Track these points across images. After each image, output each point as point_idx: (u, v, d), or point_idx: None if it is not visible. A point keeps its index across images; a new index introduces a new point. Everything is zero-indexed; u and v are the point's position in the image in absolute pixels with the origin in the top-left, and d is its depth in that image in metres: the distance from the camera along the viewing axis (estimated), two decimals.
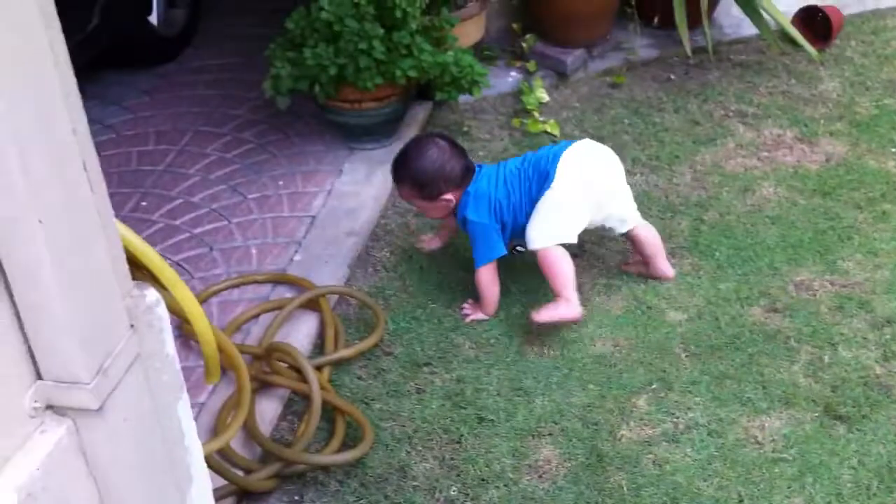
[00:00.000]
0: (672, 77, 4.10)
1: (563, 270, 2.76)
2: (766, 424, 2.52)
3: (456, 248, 3.15)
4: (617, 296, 2.98)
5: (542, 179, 2.80)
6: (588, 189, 2.80)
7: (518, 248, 2.93)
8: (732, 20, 4.39)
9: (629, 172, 3.51)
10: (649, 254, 2.99)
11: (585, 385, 2.68)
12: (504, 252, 2.86)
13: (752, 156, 3.60)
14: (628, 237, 2.99)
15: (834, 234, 3.18)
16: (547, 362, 2.75)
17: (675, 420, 2.55)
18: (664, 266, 3.02)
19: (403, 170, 2.85)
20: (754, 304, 2.92)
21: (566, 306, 2.75)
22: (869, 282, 2.97)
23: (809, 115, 3.81)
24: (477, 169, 2.89)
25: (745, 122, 3.79)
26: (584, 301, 2.95)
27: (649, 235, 2.99)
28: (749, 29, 4.24)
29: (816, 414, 2.54)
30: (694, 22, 4.08)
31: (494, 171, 2.89)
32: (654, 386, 2.66)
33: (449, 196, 2.83)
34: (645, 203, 3.35)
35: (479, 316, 2.91)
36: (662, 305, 2.94)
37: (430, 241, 3.15)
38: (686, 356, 2.76)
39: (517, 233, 2.88)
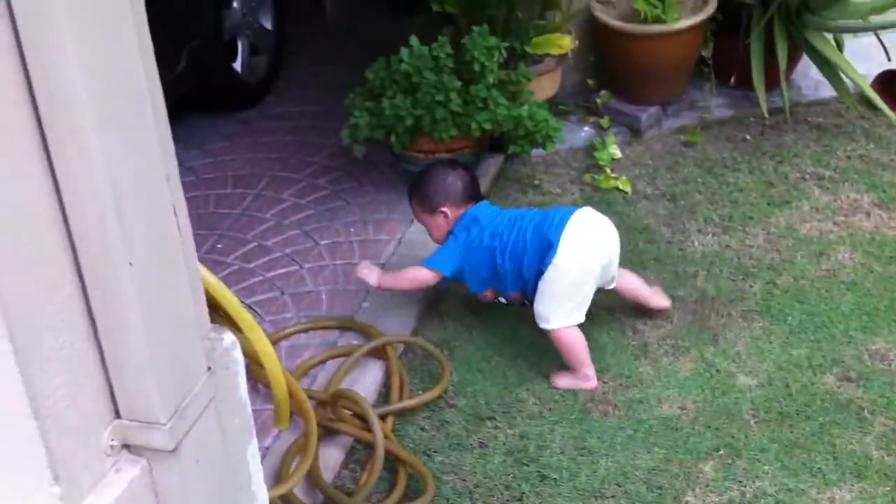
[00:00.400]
0: (747, 137, 4.07)
1: (578, 351, 2.84)
2: (837, 497, 2.46)
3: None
4: (685, 357, 2.95)
5: (542, 246, 2.81)
6: (593, 261, 2.83)
7: (499, 298, 3.00)
8: (811, 82, 4.36)
9: (701, 232, 3.49)
10: (635, 298, 3.07)
11: (651, 447, 2.65)
12: (446, 273, 2.91)
13: (827, 220, 3.55)
14: (616, 290, 3.01)
15: None
16: (612, 422, 2.73)
17: (742, 488, 2.50)
18: (656, 301, 3.08)
19: (413, 183, 3.07)
20: (827, 371, 2.87)
21: (584, 380, 2.84)
22: None
23: (888, 180, 3.74)
24: (485, 203, 3.02)
25: (821, 185, 3.75)
26: (652, 362, 2.93)
27: (632, 282, 3.05)
28: (828, 91, 4.20)
29: (888, 488, 2.47)
30: (771, 83, 4.07)
31: (497, 210, 2.99)
32: (721, 452, 2.62)
33: (446, 209, 2.94)
34: (717, 264, 3.33)
35: (366, 274, 2.96)
36: (732, 369, 2.90)
37: (369, 273, 3.04)
38: (755, 422, 2.71)
39: (500, 276, 2.90)
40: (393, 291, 3.02)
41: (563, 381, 2.85)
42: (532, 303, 2.86)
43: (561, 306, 2.81)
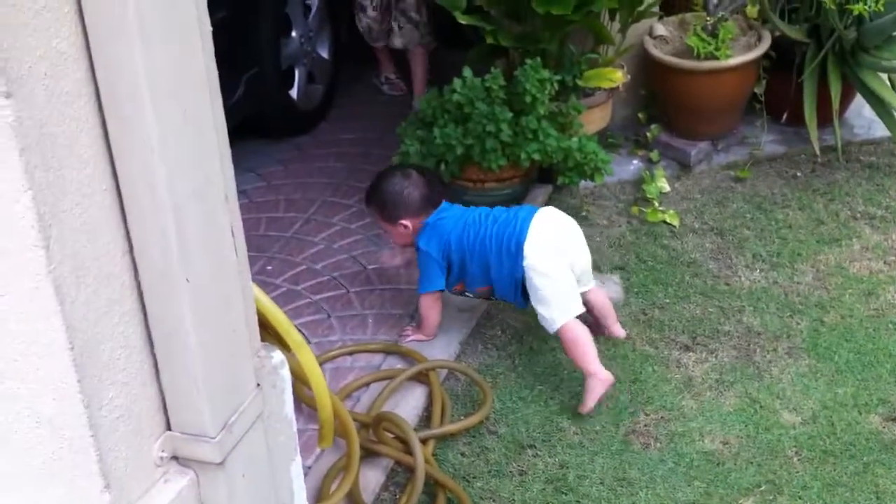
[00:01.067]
0: (798, 174, 4.06)
1: (586, 348, 2.87)
2: None
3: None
4: (729, 392, 2.94)
5: (510, 251, 2.89)
6: (561, 257, 2.92)
7: (466, 293, 3.09)
8: (864, 121, 4.34)
9: (748, 268, 3.49)
10: (600, 315, 3.10)
11: (691, 481, 2.64)
12: (441, 287, 3.00)
13: (878, 259, 3.52)
14: (585, 299, 3.02)
15: None
16: (653, 454, 2.73)
17: None
18: (616, 328, 3.12)
19: (370, 191, 3.10)
20: (872, 411, 2.84)
21: (600, 384, 2.85)
22: None
23: None
24: (445, 206, 3.04)
25: (872, 224, 3.72)
26: (695, 396, 2.92)
27: (599, 298, 3.08)
28: (881, 131, 4.17)
29: None
30: (823, 120, 4.05)
31: (460, 213, 3.03)
32: (762, 488, 2.61)
33: (406, 222, 3.00)
34: (763, 300, 3.32)
35: (419, 337, 3.09)
36: (776, 405, 2.89)
37: (391, 258, 3.28)
38: (798, 460, 2.69)
39: (468, 277, 2.99)
40: (428, 322, 3.09)
41: (589, 403, 2.84)
42: (496, 297, 3.05)
43: (556, 304, 2.89)
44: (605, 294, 3.15)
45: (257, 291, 1.78)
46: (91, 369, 1.38)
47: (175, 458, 1.58)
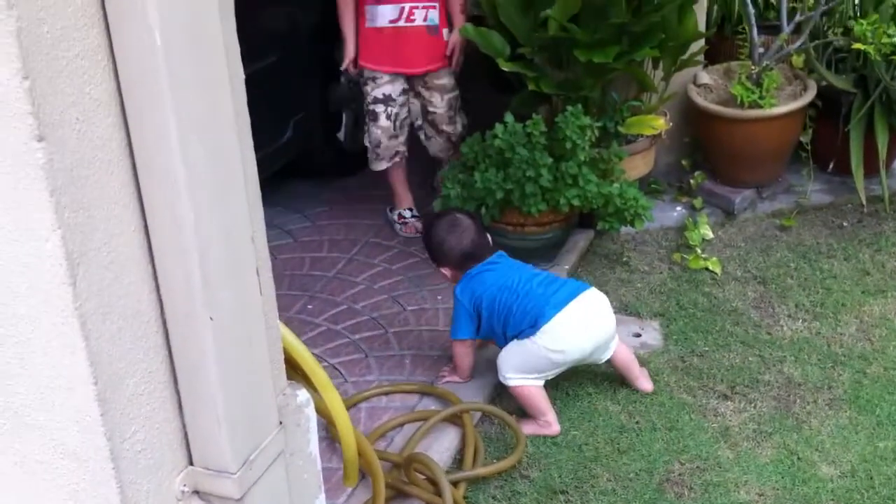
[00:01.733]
0: (844, 224, 4.02)
1: (536, 402, 2.95)
2: None
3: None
4: (767, 443, 2.90)
5: (528, 319, 2.90)
6: (572, 352, 2.93)
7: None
8: None
9: (791, 317, 3.45)
10: (623, 373, 3.11)
11: None
12: (470, 336, 3.03)
13: None
14: (610, 361, 3.08)
15: None
16: None
17: None
18: (640, 382, 3.11)
19: (423, 229, 3.22)
20: None
21: (546, 427, 2.95)
22: None
23: None
24: (497, 257, 3.04)
25: None
26: (732, 445, 2.89)
27: (626, 358, 3.09)
28: None
29: None
30: (870, 170, 4.02)
31: (503, 272, 3.00)
32: None
33: (446, 271, 3.06)
34: (805, 350, 3.28)
35: (454, 379, 3.12)
36: (814, 458, 2.84)
37: (450, 375, 3.18)
38: None
39: (494, 336, 3.03)
40: (462, 367, 3.11)
41: (527, 427, 2.95)
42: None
43: (524, 374, 2.94)
44: (627, 349, 3.11)
45: (285, 331, 1.81)
46: (114, 403, 1.42)
47: (196, 492, 1.61)
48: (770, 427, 2.96)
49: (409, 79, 3.83)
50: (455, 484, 2.67)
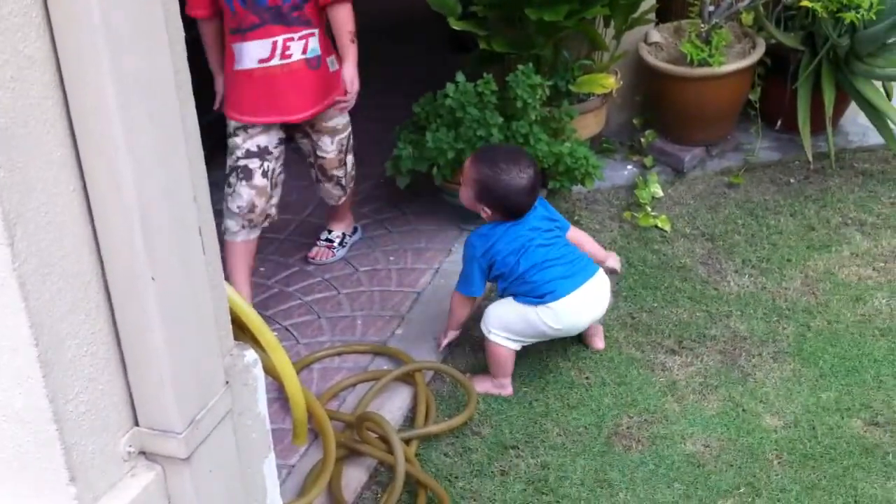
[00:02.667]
0: (791, 181, 4.08)
1: (504, 363, 2.97)
2: None
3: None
4: (713, 396, 2.97)
5: (536, 287, 2.89)
6: (564, 331, 2.98)
7: None
8: (858, 128, 4.35)
9: (738, 273, 3.51)
10: (584, 335, 3.14)
11: (671, 483, 2.67)
12: (480, 294, 3.01)
13: (867, 266, 3.54)
14: None
15: None
16: (634, 456, 2.75)
17: None
18: (596, 340, 3.16)
19: (480, 153, 3.02)
20: (855, 416, 2.86)
21: (500, 388, 2.99)
22: None
23: None
24: (521, 223, 2.91)
25: (862, 230, 3.73)
26: (679, 399, 2.95)
27: None
28: (875, 138, 4.18)
29: None
30: (817, 127, 4.07)
31: (523, 232, 2.92)
32: (741, 490, 2.63)
33: (485, 208, 2.93)
34: (751, 305, 3.34)
35: (450, 337, 3.10)
36: (759, 409, 2.91)
37: (444, 337, 3.16)
38: (778, 463, 2.72)
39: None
40: (454, 318, 3.09)
41: (481, 385, 2.99)
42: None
43: (509, 334, 2.95)
44: None
45: (231, 292, 1.81)
46: (56, 365, 1.41)
47: (142, 453, 1.61)
48: (716, 380, 3.03)
49: (290, 125, 3.23)
50: (407, 442, 2.70)
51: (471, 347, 3.18)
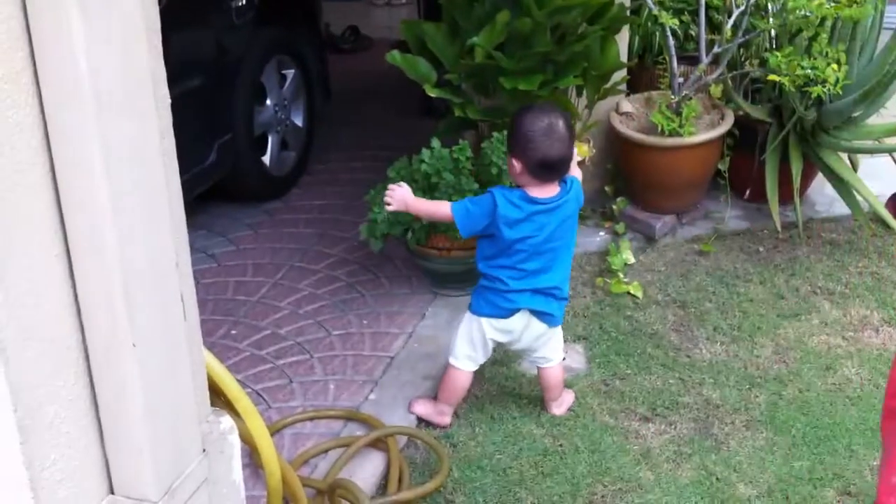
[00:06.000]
0: (760, 250, 4.14)
1: (452, 392, 3.05)
2: None
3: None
4: (687, 464, 2.96)
5: (499, 283, 2.90)
6: (506, 343, 3.04)
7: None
8: (825, 199, 4.44)
9: (709, 340, 3.53)
10: (544, 392, 3.15)
11: None
12: (465, 234, 2.90)
13: (836, 334, 3.58)
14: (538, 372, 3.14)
15: None
16: None
17: None
18: (552, 406, 3.16)
19: (523, 108, 2.88)
20: (828, 485, 2.87)
21: (439, 415, 3.07)
22: None
23: None
24: (557, 199, 2.83)
25: (831, 300, 3.79)
26: (653, 467, 2.94)
27: (552, 376, 3.11)
28: (842, 208, 4.27)
29: None
30: (785, 197, 4.15)
31: (540, 223, 2.83)
32: None
33: (515, 161, 2.80)
34: (723, 372, 3.36)
35: (392, 205, 2.98)
36: (733, 478, 2.91)
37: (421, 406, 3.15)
38: None
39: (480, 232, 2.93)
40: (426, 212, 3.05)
41: (420, 407, 3.09)
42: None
43: (470, 351, 3.01)
44: (559, 372, 3.13)
45: (209, 357, 1.80)
46: (34, 431, 1.39)
47: None
48: (689, 448, 3.03)
49: None
50: None
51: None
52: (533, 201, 2.82)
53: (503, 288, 2.91)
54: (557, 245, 2.91)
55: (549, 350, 3.07)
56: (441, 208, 2.96)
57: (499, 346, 3.12)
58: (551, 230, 2.86)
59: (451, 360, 3.05)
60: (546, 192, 2.84)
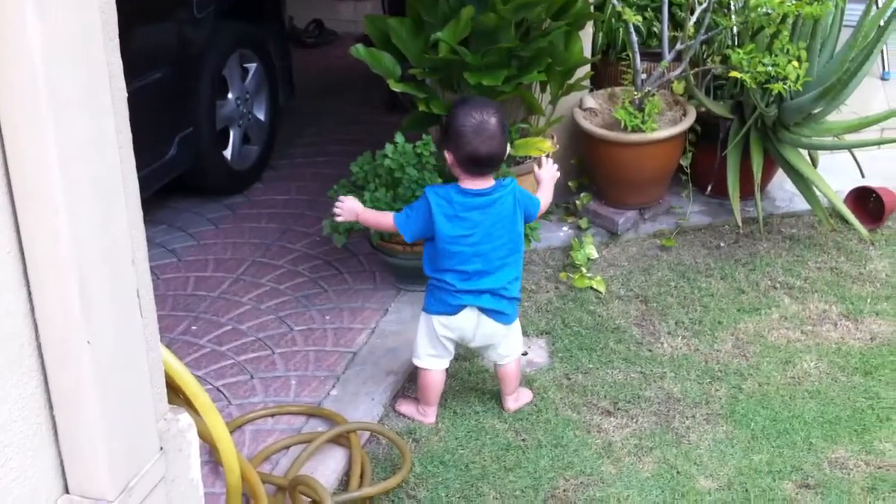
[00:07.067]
0: (721, 245, 4.17)
1: (430, 392, 3.07)
2: None
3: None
4: (648, 458, 2.98)
5: (446, 287, 2.93)
6: (460, 338, 3.04)
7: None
8: (785, 194, 4.48)
9: (671, 335, 3.56)
10: (500, 386, 3.16)
11: None
12: (407, 237, 2.95)
13: (795, 329, 3.61)
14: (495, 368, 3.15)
15: (872, 414, 3.16)
16: None
17: None
18: (508, 401, 3.16)
19: (458, 102, 2.96)
20: (786, 478, 2.90)
21: (421, 415, 3.10)
22: None
23: (856, 292, 3.83)
24: (488, 196, 2.86)
25: (791, 294, 3.83)
26: (615, 461, 2.96)
27: (509, 372, 3.12)
28: (802, 204, 4.32)
29: None
30: (746, 193, 4.18)
31: (478, 219, 2.86)
32: None
33: (447, 153, 2.86)
34: (684, 366, 3.38)
35: (342, 216, 3.05)
36: (693, 471, 2.93)
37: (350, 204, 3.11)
38: None
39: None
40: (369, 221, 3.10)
41: (405, 407, 3.13)
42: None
43: (431, 349, 3.02)
44: (516, 368, 3.13)
45: (166, 354, 1.78)
46: None
47: None
48: (651, 442, 3.05)
49: None
50: None
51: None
52: (464, 193, 2.87)
53: (450, 288, 2.93)
54: (498, 245, 2.91)
55: (506, 347, 3.08)
56: (385, 219, 3.03)
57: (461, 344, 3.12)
58: (487, 228, 2.89)
59: (415, 361, 3.07)
60: (479, 184, 2.89)
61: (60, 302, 1.44)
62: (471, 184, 2.88)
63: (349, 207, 3.04)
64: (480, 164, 2.85)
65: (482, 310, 2.96)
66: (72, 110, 1.38)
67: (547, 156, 3.20)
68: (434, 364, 3.05)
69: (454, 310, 2.96)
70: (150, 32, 3.77)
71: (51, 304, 1.44)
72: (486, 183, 2.90)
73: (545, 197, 3.14)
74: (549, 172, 3.19)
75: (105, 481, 1.53)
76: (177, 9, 3.95)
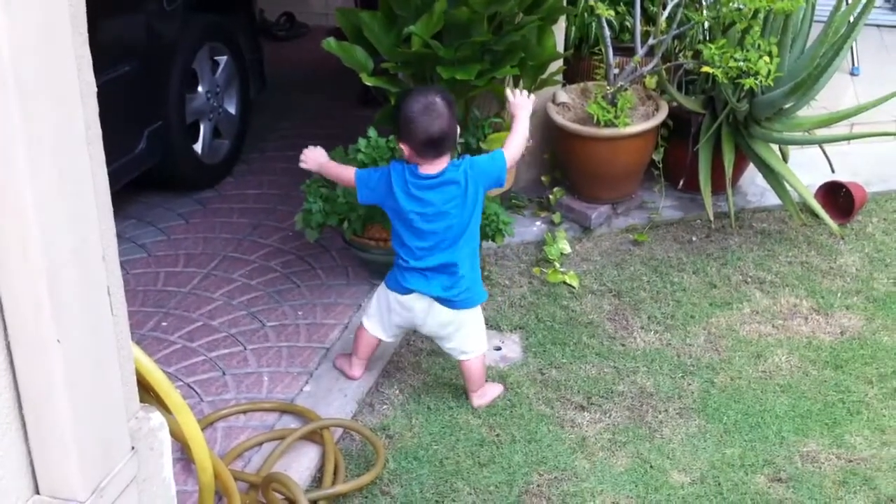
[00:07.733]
0: (693, 239, 4.19)
1: (359, 344, 3.17)
2: None
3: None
4: (621, 452, 2.99)
5: (399, 268, 3.00)
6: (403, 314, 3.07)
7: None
8: (757, 189, 4.51)
9: (644, 329, 3.57)
10: (468, 385, 3.16)
11: None
12: (361, 198, 3.02)
13: (766, 323, 3.64)
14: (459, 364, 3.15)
15: (843, 408, 3.19)
16: None
17: None
18: (473, 397, 3.17)
19: (402, 93, 3.06)
20: (758, 471, 2.92)
21: (349, 368, 3.19)
22: (875, 458, 2.96)
23: (827, 287, 3.85)
24: (444, 176, 2.89)
25: (762, 288, 3.85)
26: (588, 455, 2.96)
27: (472, 368, 3.12)
28: (773, 199, 4.34)
29: None
30: (718, 188, 4.20)
31: (420, 205, 2.91)
32: None
33: (404, 147, 2.90)
34: (657, 361, 3.39)
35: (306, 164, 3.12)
36: (666, 466, 2.94)
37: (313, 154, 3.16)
38: None
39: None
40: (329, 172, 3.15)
41: (339, 360, 3.25)
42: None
43: (376, 315, 3.11)
44: (478, 364, 3.12)
45: (137, 352, 1.76)
46: None
47: None
48: (624, 437, 3.05)
49: None
50: (315, 502, 2.64)
51: (381, 404, 3.15)
52: (418, 177, 2.91)
53: (403, 265, 2.98)
54: (452, 225, 2.93)
55: (461, 342, 3.07)
56: (347, 172, 3.07)
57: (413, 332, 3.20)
58: (439, 207, 2.91)
59: (363, 319, 3.13)
60: (433, 167, 2.91)
61: (29, 300, 1.41)
62: (426, 168, 2.91)
63: (313, 157, 3.12)
64: (435, 145, 2.87)
65: (436, 298, 3.00)
66: (40, 105, 1.35)
67: (521, 91, 3.19)
68: (374, 331, 3.12)
69: (403, 290, 3.01)
70: (119, 25, 3.72)
71: (19, 302, 1.41)
72: (440, 166, 2.92)
73: (520, 131, 3.09)
74: (521, 101, 3.15)
75: (76, 481, 1.51)
76: (146, 1, 3.90)
